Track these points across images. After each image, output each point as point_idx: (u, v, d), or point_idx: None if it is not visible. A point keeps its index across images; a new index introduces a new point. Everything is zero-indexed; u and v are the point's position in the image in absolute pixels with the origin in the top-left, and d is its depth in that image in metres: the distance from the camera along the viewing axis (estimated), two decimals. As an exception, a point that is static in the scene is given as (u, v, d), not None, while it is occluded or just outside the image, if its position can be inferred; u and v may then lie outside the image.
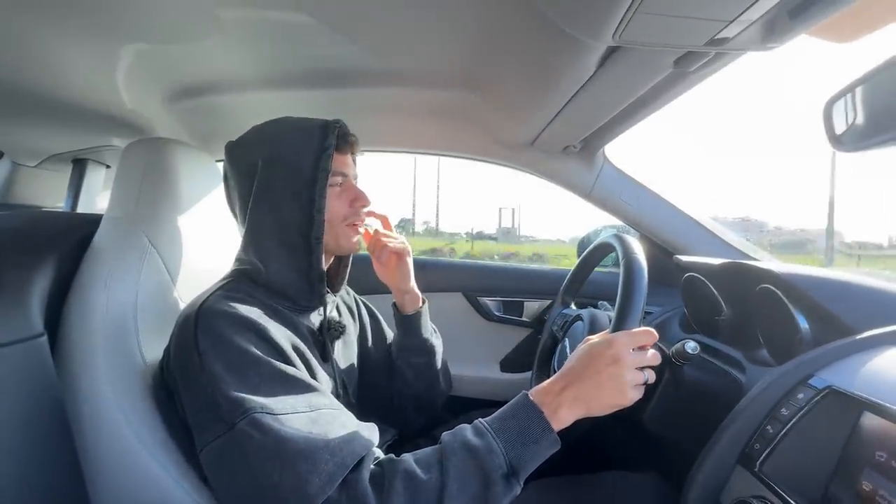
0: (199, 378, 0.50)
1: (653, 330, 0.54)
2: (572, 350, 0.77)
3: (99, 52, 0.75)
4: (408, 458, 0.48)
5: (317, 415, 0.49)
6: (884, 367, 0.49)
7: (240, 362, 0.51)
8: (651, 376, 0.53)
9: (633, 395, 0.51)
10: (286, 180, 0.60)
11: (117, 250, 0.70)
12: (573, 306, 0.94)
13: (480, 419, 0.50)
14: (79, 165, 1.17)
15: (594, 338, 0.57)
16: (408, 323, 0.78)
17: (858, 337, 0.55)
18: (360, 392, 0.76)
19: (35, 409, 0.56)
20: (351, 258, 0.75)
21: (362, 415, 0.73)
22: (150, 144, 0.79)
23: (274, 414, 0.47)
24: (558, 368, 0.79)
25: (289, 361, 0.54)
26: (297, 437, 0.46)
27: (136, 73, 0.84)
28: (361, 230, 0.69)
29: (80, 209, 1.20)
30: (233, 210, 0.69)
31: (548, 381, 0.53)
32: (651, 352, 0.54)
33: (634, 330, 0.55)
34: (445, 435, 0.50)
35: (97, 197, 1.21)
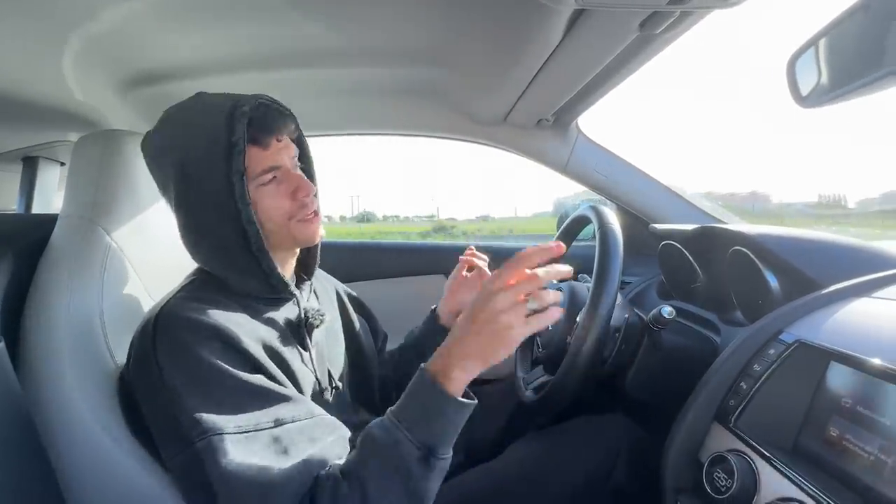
0: (160, 392, 0.48)
1: (517, 264, 0.48)
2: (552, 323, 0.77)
3: (39, 37, 0.70)
4: (336, 470, 0.47)
5: (281, 431, 0.47)
6: (848, 319, 0.51)
7: (201, 376, 0.48)
8: (542, 303, 0.48)
9: (518, 336, 0.47)
10: (202, 193, 0.53)
11: (77, 250, 0.66)
12: (554, 280, 0.95)
13: (390, 409, 0.49)
14: (29, 164, 1.10)
15: (483, 287, 0.49)
16: (443, 333, 0.75)
17: (824, 291, 0.57)
18: (350, 378, 0.74)
19: None
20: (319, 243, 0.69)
21: (350, 400, 0.72)
22: (105, 137, 0.75)
23: (234, 433, 0.45)
24: (541, 340, 0.80)
25: (258, 368, 0.51)
26: (252, 468, 0.44)
27: (84, 60, 0.79)
28: (323, 219, 0.63)
29: (36, 211, 1.14)
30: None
31: (441, 345, 0.49)
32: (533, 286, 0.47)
33: (502, 272, 0.48)
34: (360, 437, 0.48)
35: (53, 197, 1.15)
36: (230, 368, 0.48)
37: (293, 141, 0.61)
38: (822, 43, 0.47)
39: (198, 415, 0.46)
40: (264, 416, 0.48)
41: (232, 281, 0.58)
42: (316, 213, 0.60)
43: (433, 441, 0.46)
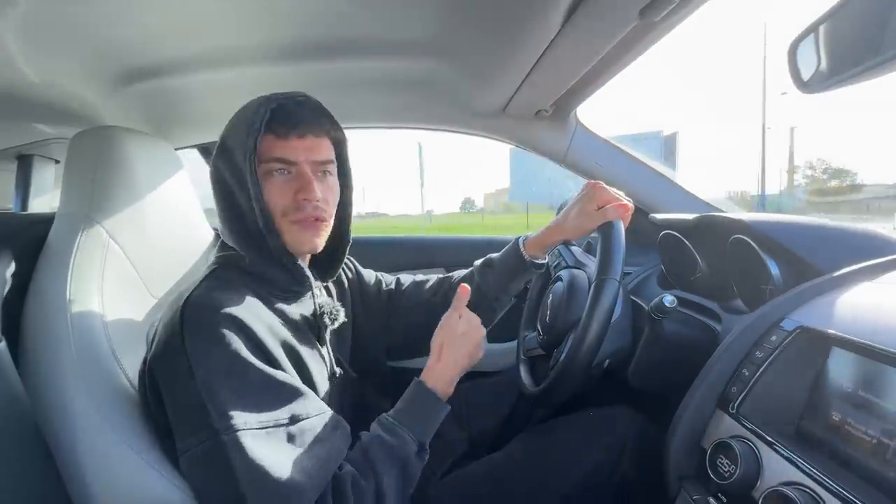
0: (187, 381, 0.49)
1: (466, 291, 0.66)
2: (552, 308, 0.78)
3: (31, 32, 0.69)
4: (351, 466, 0.53)
5: (297, 429, 0.51)
6: (850, 304, 0.51)
7: (227, 367, 0.50)
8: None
9: (482, 342, 0.65)
10: (229, 166, 0.57)
11: (76, 248, 0.66)
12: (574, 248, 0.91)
13: (386, 415, 0.59)
14: (24, 162, 1.09)
15: (444, 319, 0.65)
16: (530, 271, 0.77)
17: (825, 277, 0.57)
18: (357, 364, 0.75)
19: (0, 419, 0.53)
20: (347, 248, 0.70)
21: (362, 383, 0.73)
22: (99, 133, 0.74)
23: (257, 429, 0.48)
24: (542, 327, 0.80)
25: (276, 363, 0.53)
26: (275, 463, 0.48)
27: (77, 55, 0.78)
28: (328, 225, 0.62)
29: (32, 210, 1.13)
30: None
31: (430, 360, 0.63)
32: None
33: (456, 306, 0.65)
34: (365, 440, 0.57)
35: (48, 195, 1.14)
36: (253, 361, 0.51)
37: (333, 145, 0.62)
38: (823, 28, 0.47)
39: (226, 407, 0.48)
40: (283, 411, 0.51)
41: (253, 262, 0.59)
42: (316, 220, 0.59)
43: (426, 438, 0.58)
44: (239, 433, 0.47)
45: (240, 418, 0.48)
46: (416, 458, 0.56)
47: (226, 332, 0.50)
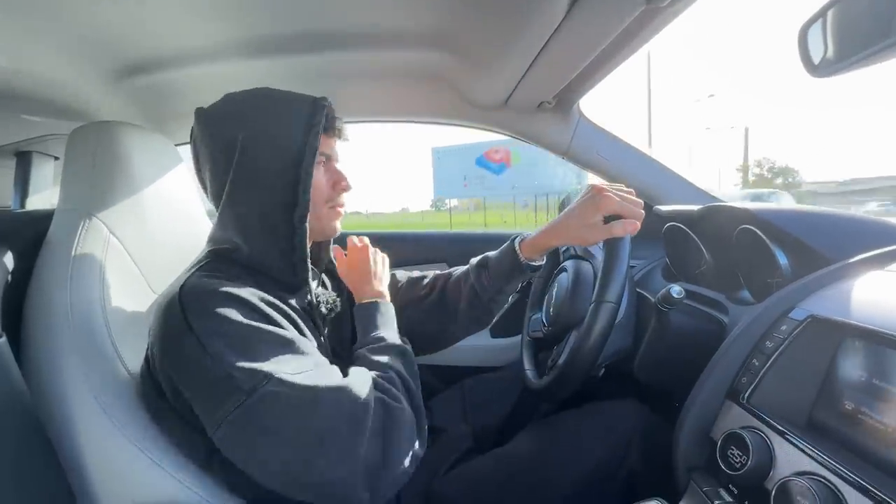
0: (202, 360, 0.49)
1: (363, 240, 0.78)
2: (556, 302, 0.77)
3: (28, 27, 0.68)
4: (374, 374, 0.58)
5: (327, 370, 0.53)
6: (861, 293, 0.51)
7: (239, 334, 0.50)
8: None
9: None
10: (271, 157, 0.58)
11: (75, 243, 0.66)
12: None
13: (357, 344, 0.65)
14: (23, 159, 1.09)
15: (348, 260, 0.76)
16: (525, 273, 0.73)
17: (835, 266, 0.56)
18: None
19: (2, 415, 0.53)
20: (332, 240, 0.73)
21: None
22: (97, 128, 0.73)
23: (291, 373, 0.49)
24: (546, 319, 0.80)
25: (282, 328, 0.54)
26: (325, 384, 0.50)
27: (75, 50, 0.77)
28: (343, 211, 0.67)
29: (32, 207, 1.12)
30: (203, 185, 0.65)
31: (356, 295, 0.72)
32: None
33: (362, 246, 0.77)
34: (359, 362, 0.60)
35: (48, 192, 1.13)
36: (263, 325, 0.52)
37: None
38: (832, 12, 0.46)
39: (252, 365, 0.48)
40: (305, 361, 0.52)
41: (254, 249, 0.59)
42: (342, 207, 0.67)
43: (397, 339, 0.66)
44: (275, 378, 0.48)
45: (269, 368, 0.48)
46: (405, 344, 0.64)
47: (227, 304, 0.51)
